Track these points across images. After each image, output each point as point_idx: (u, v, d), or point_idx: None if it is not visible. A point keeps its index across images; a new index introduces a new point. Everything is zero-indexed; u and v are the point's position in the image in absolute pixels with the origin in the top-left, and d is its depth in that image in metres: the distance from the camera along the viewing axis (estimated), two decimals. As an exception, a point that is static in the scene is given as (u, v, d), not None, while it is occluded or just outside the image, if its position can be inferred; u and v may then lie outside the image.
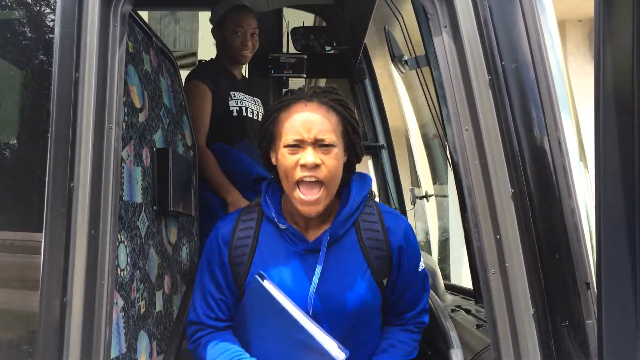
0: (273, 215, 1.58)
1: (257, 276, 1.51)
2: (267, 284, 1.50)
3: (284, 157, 1.51)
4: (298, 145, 1.50)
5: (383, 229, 1.60)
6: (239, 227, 1.60)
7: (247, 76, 3.94)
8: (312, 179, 1.49)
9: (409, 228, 1.65)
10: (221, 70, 2.71)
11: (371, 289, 1.58)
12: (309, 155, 1.49)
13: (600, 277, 1.13)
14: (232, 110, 2.61)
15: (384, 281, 1.61)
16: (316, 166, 1.49)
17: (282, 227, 1.56)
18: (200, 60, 2.85)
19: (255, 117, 2.69)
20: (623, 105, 1.08)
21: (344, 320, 1.55)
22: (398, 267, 1.61)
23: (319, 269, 1.52)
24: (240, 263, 1.56)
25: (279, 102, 1.58)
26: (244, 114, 2.63)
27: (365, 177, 1.67)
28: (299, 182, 1.50)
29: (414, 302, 1.70)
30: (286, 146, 1.51)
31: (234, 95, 2.65)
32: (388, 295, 1.63)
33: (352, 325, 1.57)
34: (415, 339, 1.73)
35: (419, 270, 1.68)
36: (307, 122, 1.50)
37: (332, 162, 1.51)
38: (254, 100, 2.76)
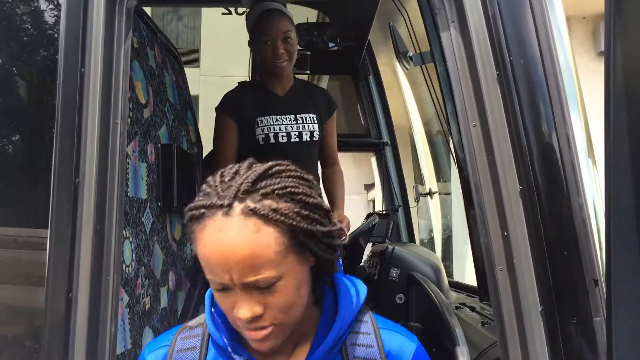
0: (224, 341, 1.08)
1: None
2: None
3: (216, 295, 1.02)
4: (226, 289, 0.99)
5: (381, 355, 1.10)
6: (173, 358, 1.10)
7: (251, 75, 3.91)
8: (257, 328, 1.01)
9: (420, 353, 1.12)
10: (253, 92, 2.42)
11: None
12: (243, 307, 0.98)
13: (609, 274, 1.12)
14: (258, 139, 2.31)
15: None
16: (256, 317, 0.99)
17: None
18: (240, 82, 2.57)
19: (293, 140, 2.35)
20: (634, 100, 1.07)
21: None
22: None
23: None
24: None
25: (191, 206, 0.99)
26: (272, 140, 2.31)
27: (355, 286, 1.13)
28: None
29: None
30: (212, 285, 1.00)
31: (261, 121, 2.32)
32: None
33: None
34: None
35: None
36: (225, 261, 0.95)
37: (279, 300, 0.99)
38: (297, 119, 2.39)
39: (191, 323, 1.14)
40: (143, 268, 1.68)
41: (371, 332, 1.11)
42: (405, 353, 1.10)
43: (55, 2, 1.38)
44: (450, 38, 1.37)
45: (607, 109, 1.09)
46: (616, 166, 1.08)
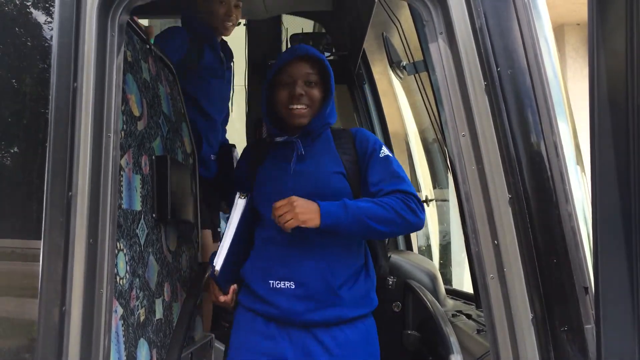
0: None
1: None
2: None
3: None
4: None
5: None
6: None
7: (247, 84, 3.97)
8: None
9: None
10: None
11: None
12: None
13: (597, 281, 1.13)
14: None
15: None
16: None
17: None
18: None
19: None
20: (617, 108, 1.08)
21: None
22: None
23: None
24: None
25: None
26: None
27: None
28: None
29: None
30: None
31: None
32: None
33: None
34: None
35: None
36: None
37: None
38: None
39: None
40: (138, 280, 1.68)
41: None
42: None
43: (48, 17, 1.40)
44: (439, 49, 1.39)
45: (592, 117, 1.11)
46: (601, 173, 1.09)
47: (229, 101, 2.90)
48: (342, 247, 1.81)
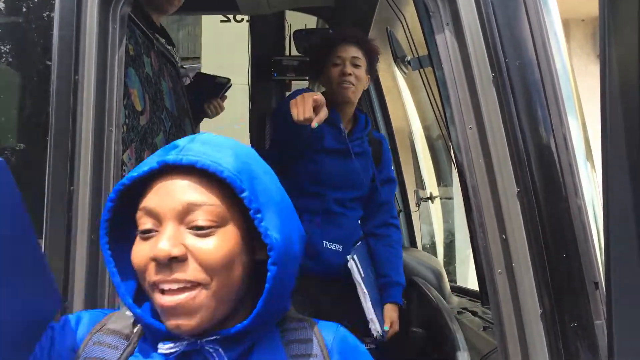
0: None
1: None
2: None
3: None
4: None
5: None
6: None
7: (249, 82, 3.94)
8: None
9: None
10: None
11: None
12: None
13: (608, 276, 1.11)
14: None
15: None
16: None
17: None
18: None
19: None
20: (629, 101, 1.06)
21: None
22: None
23: None
24: None
25: None
26: None
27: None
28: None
29: None
30: None
31: None
32: None
33: None
34: None
35: None
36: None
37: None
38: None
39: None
40: (140, 276, 1.67)
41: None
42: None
43: (48, 9, 1.38)
44: (445, 41, 1.36)
45: (603, 111, 1.09)
46: (613, 168, 1.07)
47: (359, 176, 2.21)
48: None
